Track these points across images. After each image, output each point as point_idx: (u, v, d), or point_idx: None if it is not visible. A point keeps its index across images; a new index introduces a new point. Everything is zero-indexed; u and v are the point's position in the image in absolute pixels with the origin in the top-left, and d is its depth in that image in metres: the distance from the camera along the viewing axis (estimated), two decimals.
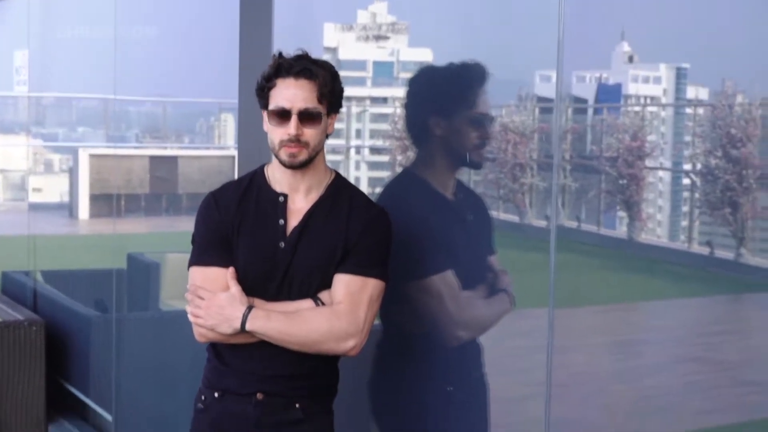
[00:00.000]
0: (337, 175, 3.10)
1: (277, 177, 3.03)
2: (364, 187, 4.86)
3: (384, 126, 4.67)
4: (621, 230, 3.53)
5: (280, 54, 2.98)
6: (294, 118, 2.89)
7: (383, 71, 4.52)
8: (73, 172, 8.74)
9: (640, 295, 3.34)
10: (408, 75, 4.53)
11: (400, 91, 4.53)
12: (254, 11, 4.10)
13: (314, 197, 3.02)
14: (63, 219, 8.50)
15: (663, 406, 3.01)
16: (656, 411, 3.02)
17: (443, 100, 3.48)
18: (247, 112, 4.11)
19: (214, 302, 2.93)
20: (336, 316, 2.94)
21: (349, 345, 2.96)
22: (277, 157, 2.97)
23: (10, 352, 5.84)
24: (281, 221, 2.99)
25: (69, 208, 8.64)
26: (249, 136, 4.13)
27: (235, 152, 6.45)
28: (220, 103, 6.65)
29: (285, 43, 4.06)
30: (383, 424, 3.67)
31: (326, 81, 2.93)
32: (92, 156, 8.35)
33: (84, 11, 6.95)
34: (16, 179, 10.42)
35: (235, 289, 2.94)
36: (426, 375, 3.48)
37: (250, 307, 2.92)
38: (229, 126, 6.79)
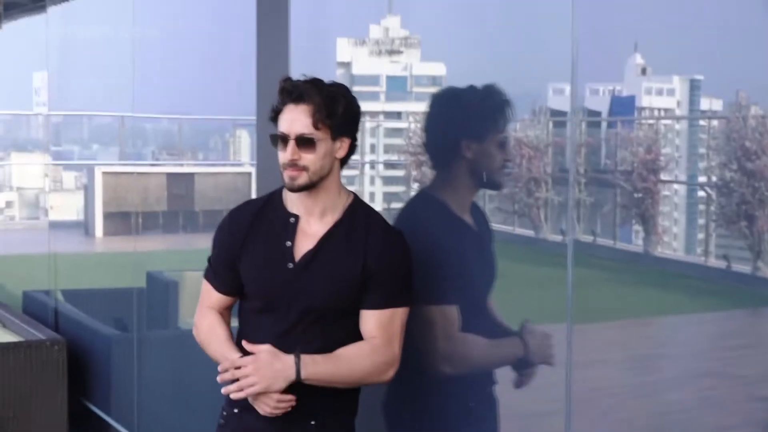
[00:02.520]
0: (355, 198, 3.13)
1: (293, 198, 3.06)
2: (378, 202, 4.87)
3: (398, 141, 4.68)
4: (637, 244, 3.53)
5: (287, 78, 3.04)
6: (291, 143, 2.95)
7: (397, 86, 4.53)
8: (88, 190, 8.80)
9: (657, 310, 3.34)
10: (421, 89, 4.54)
11: (414, 106, 4.53)
12: (270, 29, 4.13)
13: (330, 221, 3.05)
14: (79, 237, 8.55)
15: (680, 421, 3.01)
16: (673, 426, 3.02)
17: (475, 122, 3.48)
18: (265, 129, 4.13)
19: (259, 364, 2.94)
20: (374, 350, 3.00)
21: (389, 375, 3.04)
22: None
23: (33, 372, 5.87)
24: (288, 242, 3.03)
25: (84, 226, 8.69)
26: (267, 153, 4.15)
27: (250, 169, 6.48)
28: (234, 120, 6.68)
29: (301, 59, 4.11)
30: None
31: (320, 107, 2.96)
32: (107, 174, 8.41)
33: (102, 30, 7.00)
34: (31, 197, 10.48)
35: (267, 345, 2.97)
36: (447, 392, 3.48)
37: (297, 355, 2.93)
38: (243, 142, 6.83)
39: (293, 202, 3.07)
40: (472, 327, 3.34)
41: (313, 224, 3.05)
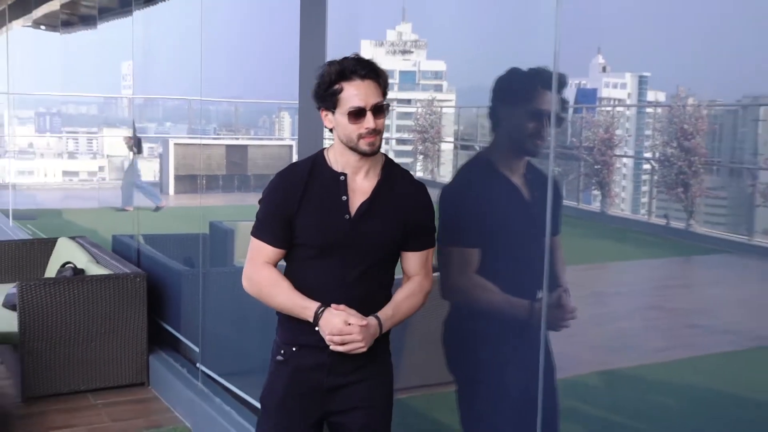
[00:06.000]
0: (387, 157, 2.96)
1: (340, 161, 2.86)
2: None
3: (408, 122, 4.66)
4: (595, 205, 3.51)
5: (333, 61, 2.80)
6: (369, 114, 2.72)
7: (407, 78, 4.50)
8: (163, 158, 8.80)
9: (611, 257, 3.32)
10: (426, 82, 4.49)
11: (421, 95, 4.50)
12: (310, 33, 4.10)
13: (374, 177, 2.86)
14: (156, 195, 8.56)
15: (629, 344, 3.01)
16: (625, 347, 3.02)
17: (509, 95, 3.21)
18: (306, 110, 4.13)
19: (358, 331, 2.77)
20: (422, 286, 2.92)
21: (426, 299, 2.96)
22: (355, 148, 2.78)
23: (120, 298, 5.89)
24: (344, 197, 2.83)
25: (160, 186, 8.71)
26: (307, 129, 4.15)
27: (291, 142, 6.45)
28: (279, 104, 6.65)
29: (333, 56, 4.07)
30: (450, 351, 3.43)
31: (385, 79, 2.79)
32: (178, 145, 8.41)
33: (176, 29, 6.96)
34: (118, 163, 10.49)
35: (353, 311, 2.80)
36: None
37: (377, 316, 2.82)
38: (286, 121, 6.78)
39: (338, 163, 2.86)
40: (491, 272, 3.13)
41: (359, 181, 2.86)
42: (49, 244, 7.29)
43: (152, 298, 6.10)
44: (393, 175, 2.91)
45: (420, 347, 3.97)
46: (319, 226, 2.85)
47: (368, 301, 2.86)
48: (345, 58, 2.79)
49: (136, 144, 7.98)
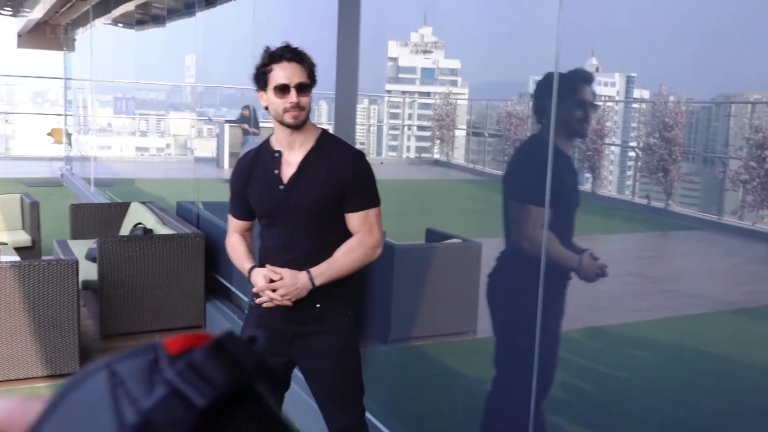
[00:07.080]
0: (324, 131, 2.87)
1: (279, 139, 2.81)
2: (413, 151, 4.84)
3: (428, 111, 4.63)
4: (587, 186, 3.48)
5: (268, 48, 2.77)
6: (293, 90, 2.68)
7: (428, 74, 4.47)
8: (219, 137, 8.82)
9: (599, 230, 3.30)
10: (444, 77, 4.46)
11: (439, 88, 4.48)
12: (346, 34, 4.08)
13: (306, 150, 2.78)
14: (212, 168, 8.58)
15: (612, 304, 3.00)
16: (607, 307, 3.02)
17: (557, 91, 3.16)
18: (341, 99, 4.11)
19: (286, 285, 2.73)
20: (361, 242, 2.78)
21: (378, 253, 2.83)
22: (281, 122, 2.74)
23: (182, 254, 5.94)
24: (276, 171, 2.79)
25: (216, 161, 8.74)
26: (342, 115, 4.15)
27: (328, 127, 6.45)
28: (318, 93, 6.64)
29: (365, 54, 4.05)
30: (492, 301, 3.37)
31: (310, 64, 2.75)
32: (232, 126, 8.41)
33: (231, 29, 6.95)
34: (182, 141, 10.52)
35: (278, 268, 2.75)
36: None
37: (308, 271, 2.73)
38: (323, 109, 6.77)
39: (278, 142, 2.82)
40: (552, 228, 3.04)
41: (292, 155, 2.80)
42: (123, 208, 7.36)
43: (209, 254, 6.14)
44: (326, 147, 2.81)
45: (434, 301, 3.98)
46: (261, 198, 2.85)
47: (313, 259, 2.77)
48: (277, 47, 2.75)
49: (254, 123, 7.87)
